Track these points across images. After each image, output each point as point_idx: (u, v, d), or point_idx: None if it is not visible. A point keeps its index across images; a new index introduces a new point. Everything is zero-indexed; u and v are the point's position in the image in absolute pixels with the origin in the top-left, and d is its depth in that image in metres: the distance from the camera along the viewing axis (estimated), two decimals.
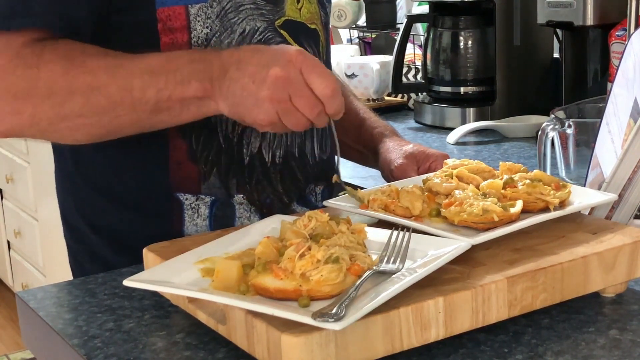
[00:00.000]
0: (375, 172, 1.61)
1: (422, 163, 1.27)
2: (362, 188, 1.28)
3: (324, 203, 1.07)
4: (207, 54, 1.04)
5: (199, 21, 1.12)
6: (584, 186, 1.16)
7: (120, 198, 1.19)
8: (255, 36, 1.15)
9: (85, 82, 1.03)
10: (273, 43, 1.16)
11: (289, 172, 1.21)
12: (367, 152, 1.41)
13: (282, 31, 1.17)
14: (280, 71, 0.96)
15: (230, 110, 1.03)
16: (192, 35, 1.12)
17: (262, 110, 0.99)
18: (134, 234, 1.05)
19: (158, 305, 0.97)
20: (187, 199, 1.17)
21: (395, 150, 1.32)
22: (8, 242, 3.91)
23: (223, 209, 1.18)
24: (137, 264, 1.04)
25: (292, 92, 0.97)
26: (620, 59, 1.20)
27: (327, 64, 1.29)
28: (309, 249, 0.81)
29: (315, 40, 1.24)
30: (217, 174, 1.17)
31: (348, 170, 1.69)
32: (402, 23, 2.17)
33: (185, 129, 1.14)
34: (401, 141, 1.35)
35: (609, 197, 1.03)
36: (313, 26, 1.23)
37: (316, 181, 1.26)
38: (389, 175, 1.31)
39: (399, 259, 0.86)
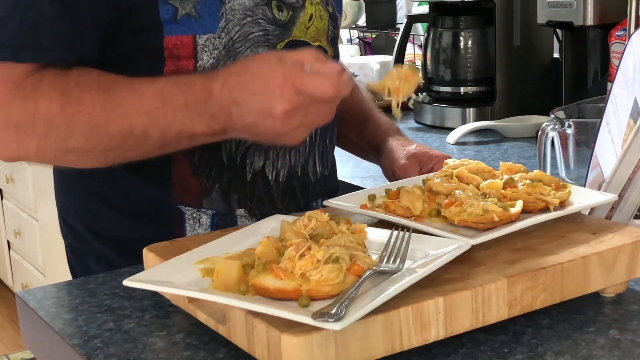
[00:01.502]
0: (375, 172, 1.61)
1: (424, 164, 1.27)
2: (362, 188, 1.28)
3: (324, 203, 1.07)
4: (197, 93, 1.00)
5: (205, 51, 1.11)
6: (584, 186, 1.16)
7: (120, 206, 1.19)
8: None
9: (82, 121, 1.02)
10: None
11: (290, 190, 1.21)
12: (369, 149, 1.41)
13: None
14: (281, 107, 0.94)
15: (252, 139, 1.04)
16: (198, 64, 1.11)
17: (287, 139, 0.98)
18: (133, 240, 1.05)
19: (158, 305, 0.97)
20: (188, 210, 1.17)
21: (398, 149, 1.32)
22: (8, 242, 3.91)
23: (224, 219, 1.18)
24: (137, 264, 1.04)
25: (303, 114, 0.96)
26: (620, 59, 1.20)
27: None
28: (309, 249, 0.81)
29: None
30: (219, 189, 1.17)
31: (348, 170, 1.69)
32: (402, 23, 2.17)
33: (189, 148, 1.14)
34: (405, 141, 1.35)
35: (609, 197, 1.03)
36: (317, 43, 1.21)
37: (317, 198, 1.26)
38: (391, 174, 1.31)
39: (399, 259, 0.86)
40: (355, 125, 1.40)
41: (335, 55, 1.28)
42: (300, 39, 1.18)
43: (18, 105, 1.02)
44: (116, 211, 1.19)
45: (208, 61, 1.11)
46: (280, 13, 1.15)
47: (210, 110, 1.00)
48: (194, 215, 1.17)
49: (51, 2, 1.02)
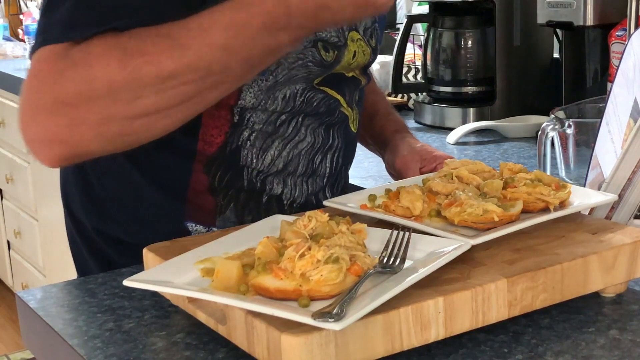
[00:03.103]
0: (375, 172, 1.61)
1: (427, 163, 1.27)
2: (362, 188, 1.28)
3: (324, 203, 1.07)
4: (274, 11, 0.89)
5: (250, 92, 1.10)
6: (584, 186, 1.16)
7: (131, 211, 1.18)
8: (297, 98, 1.14)
9: (150, 74, 0.89)
10: (315, 100, 1.16)
11: None
12: (375, 143, 1.42)
13: (321, 87, 1.16)
14: None
15: (338, 15, 0.92)
16: (239, 103, 1.10)
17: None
18: (137, 245, 1.04)
19: (158, 305, 0.97)
20: (196, 230, 1.16)
21: (402, 145, 1.32)
22: (8, 242, 3.91)
23: None
24: (137, 264, 1.04)
25: None
26: (620, 59, 1.20)
27: (361, 101, 1.28)
28: (309, 249, 0.81)
29: (355, 85, 1.23)
30: (233, 209, 1.16)
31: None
32: (402, 23, 2.17)
33: (210, 168, 1.14)
34: (411, 139, 1.36)
35: (609, 197, 1.03)
36: (351, 74, 1.21)
37: None
38: (392, 167, 1.31)
39: (399, 259, 0.86)
40: (365, 117, 1.40)
41: (368, 81, 1.28)
42: (337, 71, 1.18)
43: (68, 77, 0.90)
44: (126, 215, 1.19)
45: (250, 101, 1.11)
46: (327, 54, 1.14)
47: (294, 22, 0.90)
48: None
49: None
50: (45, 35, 0.94)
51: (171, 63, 0.90)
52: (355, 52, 1.19)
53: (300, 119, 1.16)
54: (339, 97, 1.19)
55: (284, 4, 0.89)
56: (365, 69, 1.26)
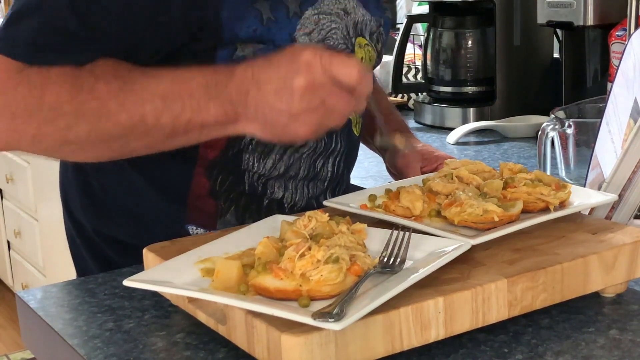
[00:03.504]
0: (375, 173, 1.61)
1: (429, 163, 1.27)
2: (362, 188, 1.28)
3: (324, 203, 1.07)
4: (219, 75, 0.96)
5: None
6: (584, 186, 1.16)
7: (131, 212, 1.18)
8: None
9: (92, 109, 0.96)
10: None
11: None
12: (373, 143, 1.41)
13: None
14: (304, 80, 0.89)
15: (261, 132, 0.96)
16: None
17: (299, 124, 0.92)
18: (137, 246, 1.04)
19: (158, 305, 0.97)
20: (196, 233, 1.16)
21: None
22: (8, 242, 3.91)
23: None
24: (137, 264, 1.04)
25: (323, 94, 0.91)
26: (620, 59, 1.20)
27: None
28: (309, 249, 0.81)
29: None
30: (234, 212, 1.16)
31: None
32: (402, 23, 2.17)
33: (212, 172, 1.14)
34: (413, 139, 1.36)
35: (609, 197, 1.03)
36: None
37: None
38: (393, 166, 1.31)
39: (399, 259, 0.86)
40: (366, 116, 1.40)
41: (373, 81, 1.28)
42: None
43: (22, 91, 0.96)
44: (126, 216, 1.19)
45: None
46: None
47: (228, 93, 0.95)
48: None
49: (73, 18, 0.98)
50: (6, 44, 0.98)
51: (112, 103, 0.96)
52: (362, 58, 1.18)
53: None
54: None
55: (230, 72, 0.95)
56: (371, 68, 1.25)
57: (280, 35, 1.07)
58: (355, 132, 1.25)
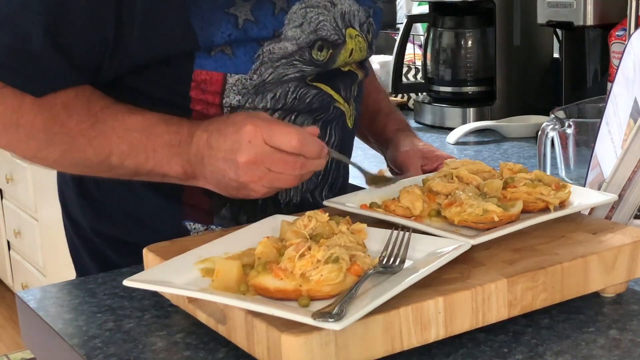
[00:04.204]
0: (376, 172, 1.61)
1: (429, 162, 1.27)
2: (362, 188, 1.28)
3: (324, 203, 1.07)
4: (182, 135, 1.04)
5: (233, 90, 1.10)
6: (584, 186, 1.16)
7: (129, 211, 1.18)
8: (289, 96, 1.13)
9: (62, 141, 1.04)
10: (308, 97, 1.15)
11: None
12: (377, 142, 1.41)
13: (314, 83, 1.15)
14: (246, 155, 0.98)
15: (218, 189, 1.05)
16: (224, 101, 1.10)
17: (250, 190, 1.01)
18: (137, 245, 1.04)
19: (158, 305, 0.97)
20: (195, 228, 1.16)
21: (404, 142, 1.32)
22: (8, 242, 3.91)
23: None
24: (137, 264, 1.04)
25: (267, 164, 0.98)
26: (620, 59, 1.20)
27: (359, 96, 1.27)
28: (309, 249, 0.81)
29: (351, 80, 1.22)
30: (229, 207, 1.16)
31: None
32: (402, 23, 2.17)
33: None
34: (414, 138, 1.35)
35: (609, 197, 1.03)
36: (347, 68, 1.21)
37: None
38: (393, 162, 1.31)
39: (399, 259, 0.86)
40: (367, 115, 1.39)
41: (365, 75, 1.27)
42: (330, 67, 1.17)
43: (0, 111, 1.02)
44: (124, 216, 1.19)
45: (234, 98, 1.10)
46: (320, 53, 1.13)
47: (187, 154, 1.03)
48: (200, 234, 1.17)
49: (40, 37, 1.01)
50: None
51: (82, 140, 1.04)
52: (352, 49, 1.18)
53: (293, 117, 1.15)
54: (332, 92, 1.18)
55: (191, 134, 1.03)
56: (362, 62, 1.25)
57: (261, 34, 1.08)
58: (349, 125, 1.25)
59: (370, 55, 1.26)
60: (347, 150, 1.29)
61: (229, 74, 1.08)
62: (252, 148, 0.97)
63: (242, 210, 1.16)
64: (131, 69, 1.08)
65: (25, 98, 1.03)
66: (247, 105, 1.11)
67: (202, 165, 1.02)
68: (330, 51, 1.14)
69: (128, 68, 1.08)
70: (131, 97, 1.08)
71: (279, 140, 0.97)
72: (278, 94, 1.13)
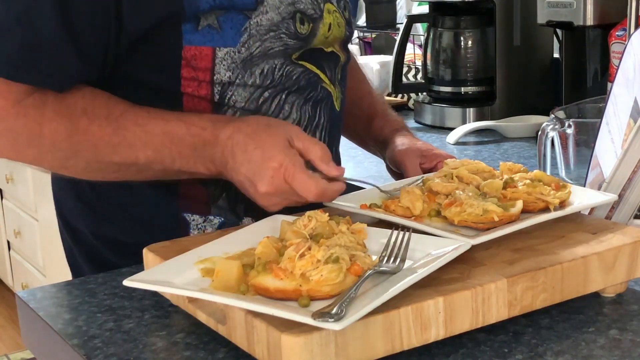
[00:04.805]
0: (376, 173, 1.61)
1: (427, 160, 1.27)
2: (362, 188, 1.28)
3: (324, 203, 1.07)
4: (205, 137, 1.05)
5: (223, 64, 1.10)
6: (584, 186, 1.16)
7: (127, 210, 1.18)
8: (276, 72, 1.14)
9: (88, 149, 1.05)
10: (294, 74, 1.16)
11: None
12: (374, 144, 1.41)
13: (300, 62, 1.16)
14: (266, 187, 1.01)
15: (241, 189, 1.07)
16: (215, 78, 1.11)
17: (263, 205, 1.04)
18: (136, 245, 1.05)
19: (158, 305, 0.97)
20: (194, 219, 1.17)
21: (402, 140, 1.32)
22: (8, 242, 3.91)
23: (231, 225, 1.18)
24: (137, 264, 1.04)
25: (286, 196, 1.02)
26: (620, 59, 1.20)
27: (343, 80, 1.28)
28: (309, 249, 0.81)
29: (334, 61, 1.23)
30: (226, 198, 1.17)
31: (348, 170, 1.67)
32: (402, 23, 2.17)
33: None
34: (412, 137, 1.35)
35: (609, 197, 1.03)
36: (330, 49, 1.21)
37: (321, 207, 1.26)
38: (391, 160, 1.31)
39: (399, 259, 0.86)
40: (363, 119, 1.40)
41: (348, 58, 1.28)
42: (315, 46, 1.18)
43: (21, 124, 1.04)
44: (122, 214, 1.19)
45: (225, 74, 1.11)
46: (302, 26, 1.14)
47: (212, 156, 1.05)
48: (199, 226, 1.17)
49: (53, 28, 1.01)
50: None
51: (106, 147, 1.05)
52: (330, 24, 1.19)
53: (283, 96, 1.15)
54: (318, 71, 1.19)
55: (215, 137, 1.05)
56: (344, 44, 1.26)
57: (244, 2, 1.09)
58: (336, 107, 1.25)
59: (351, 35, 1.27)
60: (335, 133, 1.28)
61: (217, 48, 1.09)
62: (273, 183, 1.00)
63: (238, 199, 1.17)
64: (126, 48, 1.08)
65: (46, 108, 1.04)
66: (237, 81, 1.11)
67: (226, 169, 1.05)
68: (311, 25, 1.15)
69: (125, 48, 1.08)
70: (123, 86, 1.09)
71: (298, 187, 1.00)
72: (265, 70, 1.13)
